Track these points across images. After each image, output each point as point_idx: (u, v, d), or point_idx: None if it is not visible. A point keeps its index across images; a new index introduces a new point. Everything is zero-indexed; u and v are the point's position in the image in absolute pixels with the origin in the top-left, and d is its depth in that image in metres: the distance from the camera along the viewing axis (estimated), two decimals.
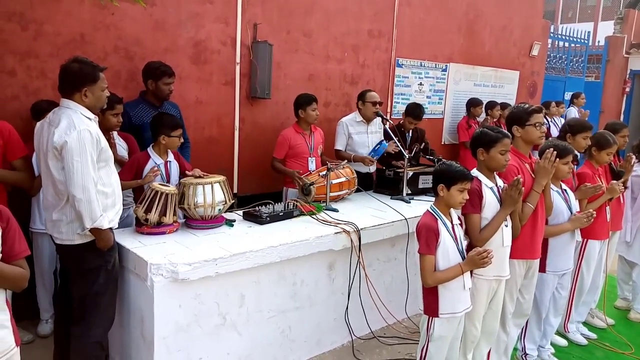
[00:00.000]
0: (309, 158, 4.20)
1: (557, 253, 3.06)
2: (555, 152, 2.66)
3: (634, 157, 3.64)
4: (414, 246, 2.46)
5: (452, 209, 2.49)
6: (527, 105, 2.80)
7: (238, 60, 4.42)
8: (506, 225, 2.61)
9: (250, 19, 4.43)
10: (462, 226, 2.55)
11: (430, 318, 2.46)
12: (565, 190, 3.11)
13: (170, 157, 3.35)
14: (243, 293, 2.89)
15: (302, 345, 3.28)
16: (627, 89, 12.52)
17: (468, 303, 2.50)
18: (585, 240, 3.38)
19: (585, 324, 3.96)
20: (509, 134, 2.66)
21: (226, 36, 4.33)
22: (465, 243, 2.49)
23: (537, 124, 2.69)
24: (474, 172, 2.64)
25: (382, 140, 4.45)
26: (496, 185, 2.63)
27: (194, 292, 2.67)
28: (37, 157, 2.57)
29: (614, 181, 3.41)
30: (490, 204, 2.56)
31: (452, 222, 2.47)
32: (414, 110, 4.97)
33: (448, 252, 2.39)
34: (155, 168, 3.21)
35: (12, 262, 1.74)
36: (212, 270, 2.67)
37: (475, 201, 2.53)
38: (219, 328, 2.82)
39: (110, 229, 2.53)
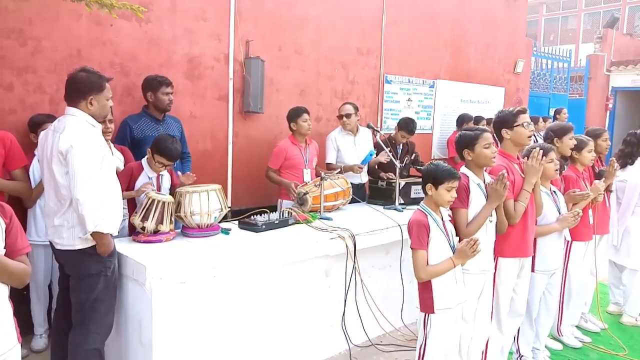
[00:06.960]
0: (304, 170, 4.26)
1: (545, 253, 3.13)
2: (541, 151, 2.76)
3: (616, 162, 3.77)
4: (408, 252, 2.51)
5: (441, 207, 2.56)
6: (511, 108, 2.91)
7: (231, 75, 4.52)
8: (490, 221, 2.68)
9: (243, 36, 4.55)
10: (452, 222, 2.62)
11: (427, 315, 2.50)
12: (554, 192, 3.20)
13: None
14: (240, 298, 2.91)
15: (300, 352, 3.27)
16: (610, 105, 12.86)
17: (462, 297, 2.54)
18: (570, 241, 3.47)
19: (579, 328, 4.01)
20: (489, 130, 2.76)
21: (219, 52, 4.44)
22: (457, 239, 2.55)
23: (524, 124, 2.80)
24: (463, 169, 2.73)
25: (370, 149, 4.55)
26: (483, 181, 2.71)
27: (191, 296, 2.69)
28: (40, 165, 2.61)
29: (597, 180, 3.55)
30: (478, 199, 2.64)
31: (442, 219, 2.53)
32: (407, 125, 5.04)
33: (440, 247, 2.45)
34: (148, 183, 3.22)
35: (15, 257, 1.79)
36: (209, 275, 2.70)
37: (463, 196, 2.61)
38: (217, 333, 2.82)
39: (111, 235, 2.56)
